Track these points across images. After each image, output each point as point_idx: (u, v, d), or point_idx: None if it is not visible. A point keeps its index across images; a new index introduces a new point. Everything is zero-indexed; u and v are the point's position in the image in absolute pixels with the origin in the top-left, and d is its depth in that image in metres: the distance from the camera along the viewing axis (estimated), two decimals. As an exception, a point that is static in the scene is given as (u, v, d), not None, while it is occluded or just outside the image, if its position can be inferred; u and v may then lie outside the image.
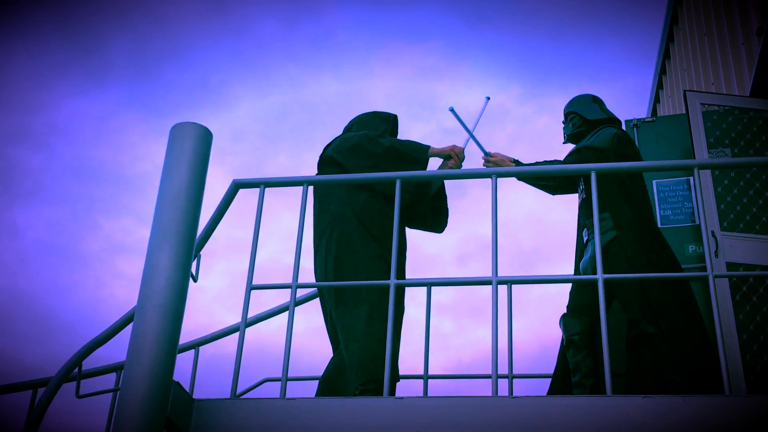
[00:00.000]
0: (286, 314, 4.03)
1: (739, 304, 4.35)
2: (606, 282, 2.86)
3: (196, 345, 4.67)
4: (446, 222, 4.13)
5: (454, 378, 5.23)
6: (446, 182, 4.12)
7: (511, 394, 3.48)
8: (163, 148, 2.71)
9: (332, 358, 3.73)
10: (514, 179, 3.91)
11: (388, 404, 2.53)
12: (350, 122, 4.18)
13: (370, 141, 3.82)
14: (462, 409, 2.48)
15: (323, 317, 3.81)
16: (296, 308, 3.02)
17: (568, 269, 3.98)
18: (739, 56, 5.73)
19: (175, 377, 2.43)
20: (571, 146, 4.17)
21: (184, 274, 2.51)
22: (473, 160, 4.09)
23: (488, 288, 2.81)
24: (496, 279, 2.80)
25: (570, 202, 4.16)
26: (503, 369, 3.61)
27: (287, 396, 2.64)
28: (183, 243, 2.53)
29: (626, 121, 5.36)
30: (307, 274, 5.63)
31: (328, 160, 3.91)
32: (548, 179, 4.08)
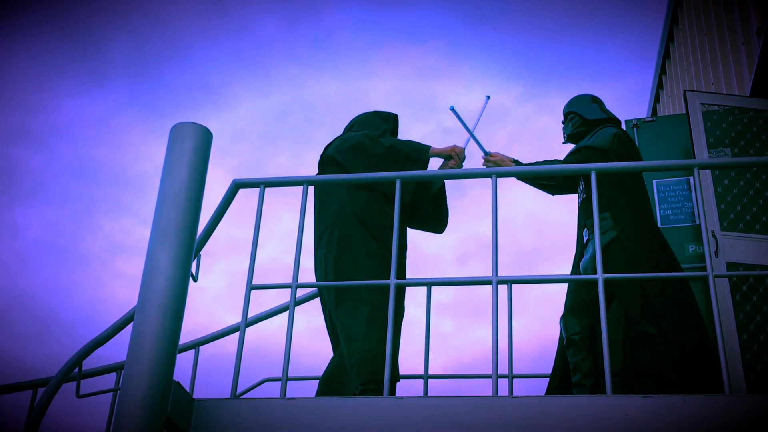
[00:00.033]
0: (286, 314, 4.03)
1: (739, 304, 4.35)
2: (606, 282, 2.86)
3: (196, 345, 4.67)
4: (446, 222, 4.13)
5: (454, 378, 5.23)
6: (446, 182, 4.12)
7: (511, 394, 3.48)
8: (163, 148, 2.71)
9: (332, 358, 3.73)
10: (514, 179, 3.91)
11: (388, 404, 2.53)
12: (351, 122, 4.18)
13: (371, 141, 3.82)
14: (462, 409, 2.48)
15: (323, 317, 3.81)
16: (296, 308, 3.02)
17: (568, 269, 3.98)
18: (739, 56, 5.73)
19: (175, 377, 2.44)
20: (570, 146, 4.17)
21: (184, 274, 2.51)
22: (473, 160, 4.10)
23: (488, 288, 2.81)
24: (496, 279, 2.80)
25: (570, 202, 4.16)
26: (503, 369, 3.61)
27: (287, 396, 2.64)
28: (183, 243, 2.53)
29: (626, 121, 5.36)
30: (307, 274, 5.63)
31: (328, 160, 3.91)
32: (548, 179, 4.08)
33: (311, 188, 3.81)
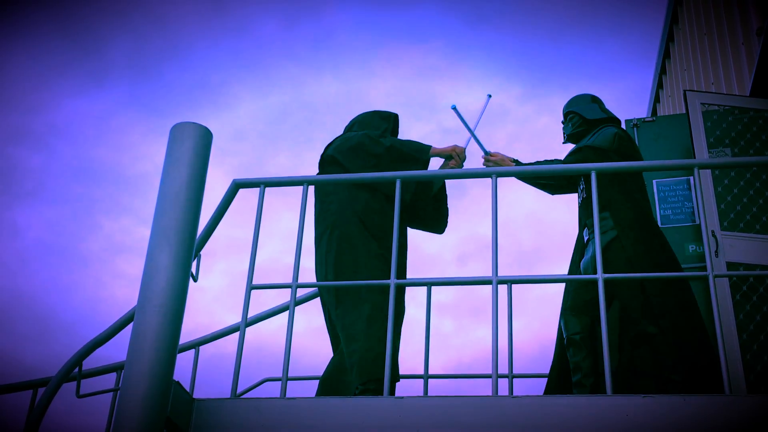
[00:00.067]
0: (286, 314, 4.03)
1: (739, 304, 4.35)
2: (606, 281, 2.86)
3: (196, 345, 4.67)
4: (446, 222, 4.13)
5: (454, 378, 5.23)
6: (446, 182, 4.12)
7: (511, 393, 3.47)
8: (163, 148, 2.71)
9: (332, 358, 3.73)
10: (514, 179, 3.91)
11: (388, 404, 2.53)
12: (351, 122, 4.18)
13: (371, 141, 3.82)
14: (462, 409, 2.48)
15: (323, 317, 3.81)
16: (296, 308, 3.02)
17: (567, 269, 3.98)
18: (739, 56, 5.73)
19: (176, 377, 2.43)
20: (571, 146, 4.17)
21: (184, 274, 2.51)
22: (474, 160, 4.10)
23: (488, 288, 2.81)
24: (496, 279, 2.80)
25: (570, 202, 4.16)
26: (503, 369, 3.61)
27: (287, 396, 2.64)
28: (183, 243, 2.53)
29: (626, 121, 5.37)
30: (307, 274, 5.63)
31: (329, 160, 3.91)
32: (548, 179, 4.07)
33: (311, 188, 3.81)
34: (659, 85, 8.47)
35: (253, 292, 2.89)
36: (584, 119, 4.13)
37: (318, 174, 3.94)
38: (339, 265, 3.61)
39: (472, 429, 2.45)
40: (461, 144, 3.97)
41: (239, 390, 4.65)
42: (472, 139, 4.06)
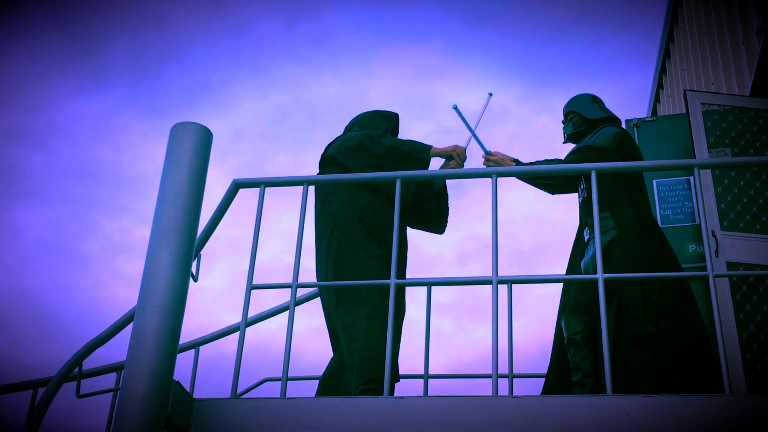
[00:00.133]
0: (286, 314, 4.03)
1: (739, 304, 4.35)
2: (607, 281, 2.86)
3: (196, 345, 4.67)
4: (447, 222, 4.13)
5: (454, 378, 5.23)
6: (447, 182, 4.12)
7: (512, 393, 3.48)
8: (163, 148, 2.71)
9: (333, 358, 3.73)
10: (514, 179, 3.90)
11: (388, 404, 2.53)
12: (351, 121, 4.17)
13: (372, 141, 3.82)
14: (462, 409, 2.48)
15: (324, 317, 3.81)
16: (296, 308, 3.02)
17: (565, 269, 3.98)
18: (739, 56, 5.73)
19: (176, 377, 2.43)
20: (571, 146, 4.17)
21: (184, 274, 2.51)
22: (474, 160, 4.10)
23: (488, 288, 2.81)
24: (496, 279, 2.80)
25: (570, 202, 4.16)
26: (503, 369, 3.61)
27: (287, 396, 2.64)
28: (183, 243, 2.53)
29: (626, 121, 5.36)
30: (307, 274, 5.64)
31: (329, 160, 3.91)
32: (549, 178, 4.07)
33: (312, 188, 3.81)
34: (659, 85, 8.47)
35: (253, 292, 2.89)
36: (585, 119, 4.12)
37: (318, 174, 3.94)
38: (339, 265, 3.61)
39: (472, 429, 2.45)
40: (462, 144, 3.97)
41: (239, 390, 4.64)
42: (473, 139, 4.05)
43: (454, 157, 3.92)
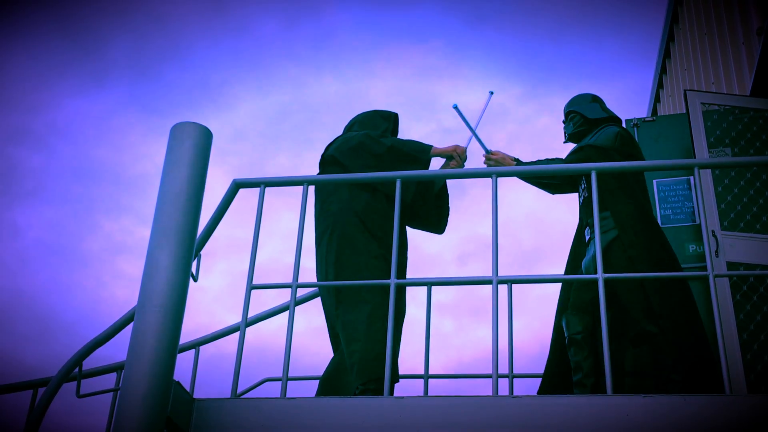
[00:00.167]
0: (286, 314, 4.03)
1: (739, 304, 4.35)
2: (607, 281, 2.86)
3: (196, 345, 4.67)
4: (447, 222, 4.13)
5: (455, 378, 5.23)
6: (447, 182, 4.11)
7: (512, 393, 3.47)
8: (163, 148, 2.71)
9: (333, 358, 3.73)
10: (514, 178, 3.90)
11: (388, 404, 2.53)
12: (351, 121, 4.17)
13: (372, 141, 3.82)
14: (462, 409, 2.48)
15: (324, 317, 3.80)
16: (296, 308, 3.02)
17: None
18: (740, 56, 5.72)
19: (176, 377, 2.43)
20: (572, 145, 4.17)
21: (184, 274, 2.51)
22: (474, 159, 4.10)
23: (488, 288, 2.81)
24: (497, 278, 2.80)
25: (570, 202, 4.16)
26: (503, 368, 3.61)
27: (288, 396, 2.64)
28: (183, 243, 2.53)
29: (627, 121, 5.36)
30: (307, 274, 5.63)
31: (329, 160, 3.91)
32: (549, 178, 4.07)
33: (312, 188, 3.81)
34: (659, 85, 8.47)
35: (253, 292, 2.89)
36: (585, 118, 4.12)
37: (318, 174, 3.93)
38: (339, 265, 3.61)
39: (472, 429, 2.45)
40: (462, 144, 3.97)
41: (239, 390, 4.65)
42: (474, 139, 4.05)
43: (455, 157, 3.92)
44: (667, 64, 8.24)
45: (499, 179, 3.03)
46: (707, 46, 6.58)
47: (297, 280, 2.93)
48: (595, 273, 3.31)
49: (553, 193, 4.17)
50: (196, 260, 2.92)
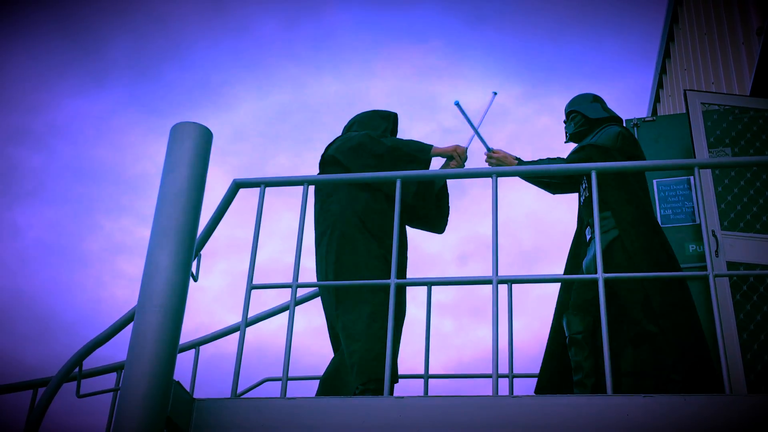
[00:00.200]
0: (286, 314, 4.03)
1: (739, 304, 4.35)
2: (608, 281, 2.85)
3: (196, 345, 4.67)
4: (447, 222, 4.13)
5: (455, 378, 5.23)
6: (447, 181, 4.11)
7: (512, 393, 3.47)
8: (163, 148, 2.71)
9: (333, 358, 3.73)
10: (515, 177, 3.90)
11: (388, 404, 2.53)
12: (350, 121, 4.17)
13: (372, 141, 3.82)
14: (462, 409, 2.48)
15: (324, 317, 3.80)
16: (296, 308, 3.02)
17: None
18: (740, 56, 5.72)
19: (176, 377, 2.43)
20: (573, 145, 4.17)
21: (184, 274, 2.51)
22: (474, 159, 4.10)
23: (488, 287, 2.81)
24: (497, 278, 2.80)
25: (570, 202, 4.16)
26: (504, 368, 3.61)
27: (288, 395, 2.64)
28: (183, 243, 2.53)
29: (627, 121, 5.36)
30: (307, 274, 5.63)
31: (329, 160, 3.91)
32: (550, 178, 4.07)
33: (312, 188, 3.81)
34: (659, 85, 8.47)
35: (253, 292, 2.89)
36: (586, 118, 4.12)
37: (318, 174, 3.93)
38: (339, 265, 3.61)
39: (472, 429, 2.45)
40: (463, 144, 3.97)
41: (239, 390, 4.64)
42: (474, 138, 4.05)
43: (455, 157, 3.92)
44: (667, 64, 8.24)
45: (499, 179, 3.02)
46: (707, 46, 6.58)
47: (297, 280, 2.93)
48: (596, 273, 3.32)
49: (553, 193, 4.17)
50: (196, 260, 2.92)
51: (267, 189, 3.08)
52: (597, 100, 4.21)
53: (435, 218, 4.08)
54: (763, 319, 4.32)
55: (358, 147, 3.81)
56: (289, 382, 2.79)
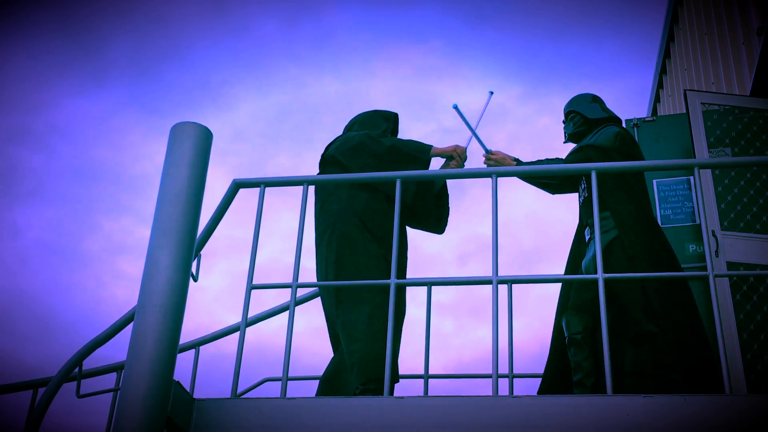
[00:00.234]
0: (286, 314, 4.03)
1: (739, 304, 4.35)
2: (607, 281, 2.85)
3: (196, 345, 4.67)
4: (447, 222, 4.13)
5: (455, 378, 5.23)
6: (447, 182, 4.12)
7: (512, 393, 3.47)
8: (163, 148, 2.71)
9: (333, 358, 3.73)
10: (514, 178, 3.90)
11: (388, 404, 2.53)
12: (351, 121, 4.17)
13: (372, 141, 3.82)
14: (462, 409, 2.48)
15: (323, 317, 3.80)
16: (296, 308, 3.02)
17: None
18: (740, 55, 5.72)
19: (176, 377, 2.43)
20: (572, 145, 4.17)
21: (184, 274, 2.51)
22: (474, 159, 4.10)
23: (488, 288, 2.81)
24: (497, 278, 2.80)
25: (570, 202, 4.16)
26: (503, 368, 3.60)
27: (288, 396, 2.64)
28: (183, 243, 2.53)
29: (627, 121, 5.36)
30: (307, 274, 5.63)
31: (329, 160, 3.91)
32: (550, 178, 4.07)
33: (312, 188, 3.81)
34: (659, 85, 8.47)
35: (253, 292, 2.89)
36: (585, 118, 4.12)
37: (318, 174, 3.93)
38: (339, 265, 3.61)
39: (472, 429, 2.45)
40: (462, 144, 3.97)
41: (239, 390, 4.65)
42: (474, 139, 4.05)
43: (455, 157, 3.92)
44: (667, 64, 8.24)
45: (499, 179, 3.03)
46: (707, 46, 6.58)
47: (297, 280, 2.93)
48: (595, 273, 3.32)
49: (553, 193, 4.17)
50: (196, 260, 2.92)
51: (267, 189, 3.08)
52: (596, 100, 4.21)
53: (435, 218, 4.08)
54: (763, 319, 4.32)
55: (358, 147, 3.81)
56: (289, 382, 2.79)
